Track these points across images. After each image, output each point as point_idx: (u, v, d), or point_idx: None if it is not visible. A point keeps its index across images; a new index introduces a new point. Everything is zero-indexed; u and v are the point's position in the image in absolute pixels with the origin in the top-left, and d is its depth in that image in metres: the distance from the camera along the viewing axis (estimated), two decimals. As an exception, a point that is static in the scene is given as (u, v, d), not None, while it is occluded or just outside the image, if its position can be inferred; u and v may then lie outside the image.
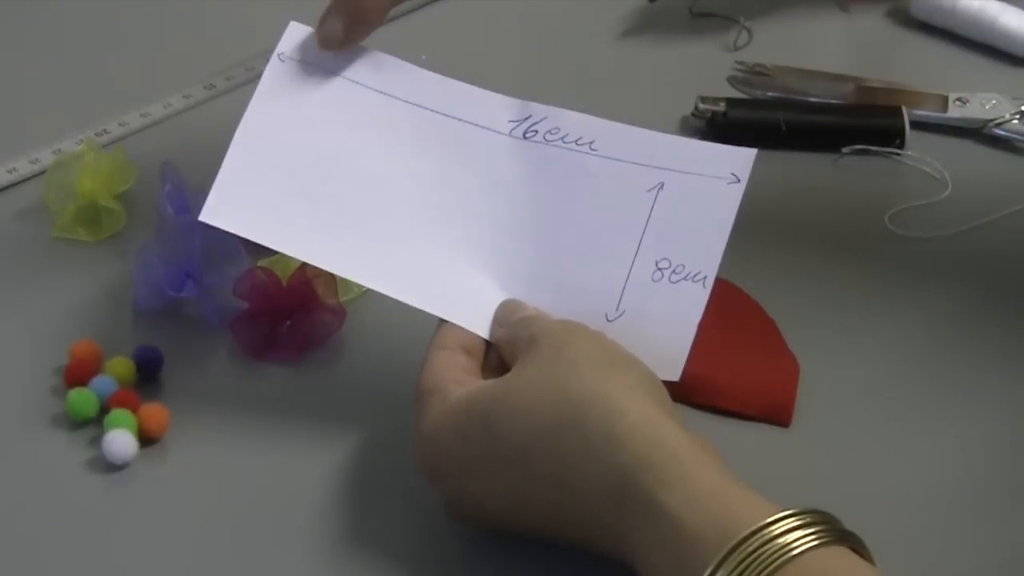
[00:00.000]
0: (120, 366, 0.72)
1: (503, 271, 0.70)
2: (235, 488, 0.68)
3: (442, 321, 0.68)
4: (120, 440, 0.68)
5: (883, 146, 0.88)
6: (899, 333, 0.77)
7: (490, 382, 0.64)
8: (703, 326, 0.76)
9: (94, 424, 0.70)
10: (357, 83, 0.73)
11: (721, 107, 0.89)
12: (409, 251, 0.70)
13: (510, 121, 0.72)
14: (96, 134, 0.87)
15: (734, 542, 0.55)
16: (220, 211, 0.69)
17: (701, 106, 0.89)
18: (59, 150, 0.86)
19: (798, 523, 0.56)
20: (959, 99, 0.90)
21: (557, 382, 0.61)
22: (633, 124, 0.88)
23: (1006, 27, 0.95)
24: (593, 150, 0.71)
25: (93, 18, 0.96)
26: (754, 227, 0.83)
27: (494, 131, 0.72)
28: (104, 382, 0.71)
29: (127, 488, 0.68)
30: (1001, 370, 0.75)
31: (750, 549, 0.55)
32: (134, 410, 0.70)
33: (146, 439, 0.69)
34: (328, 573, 0.65)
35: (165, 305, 0.76)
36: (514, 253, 0.71)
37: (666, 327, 0.68)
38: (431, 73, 0.73)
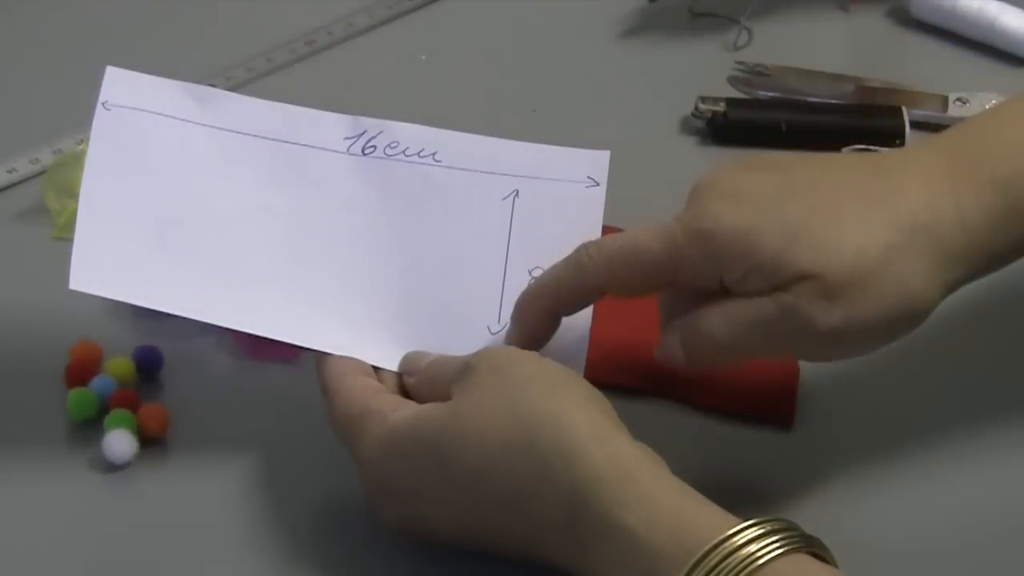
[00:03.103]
0: (120, 366, 0.72)
1: (375, 294, 0.69)
2: (235, 488, 0.68)
3: (323, 353, 0.67)
4: (120, 440, 0.68)
5: (883, 146, 0.88)
6: (899, 333, 0.77)
7: (432, 407, 0.63)
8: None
9: (94, 424, 0.70)
10: (188, 122, 0.70)
11: (721, 107, 0.89)
12: (280, 289, 0.69)
13: (346, 138, 0.71)
14: (96, 134, 0.86)
15: (697, 556, 0.55)
16: (87, 277, 0.67)
17: (701, 106, 0.89)
18: (59, 150, 0.86)
19: (760, 532, 0.56)
20: (959, 99, 0.90)
21: (505, 403, 0.61)
22: (633, 125, 0.89)
23: (1006, 27, 0.95)
24: (437, 161, 0.70)
25: (93, 18, 0.96)
26: (754, 227, 0.83)
27: (331, 151, 0.71)
28: (104, 382, 0.71)
29: (127, 488, 0.68)
30: (1001, 369, 0.75)
31: (714, 562, 0.55)
32: (134, 410, 0.70)
33: (146, 439, 0.69)
34: (329, 572, 0.65)
35: (165, 305, 0.76)
36: (381, 274, 0.69)
37: (556, 335, 0.67)
38: (259, 100, 0.72)
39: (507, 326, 0.68)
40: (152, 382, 0.73)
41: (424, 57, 0.93)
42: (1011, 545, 0.67)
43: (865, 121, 0.89)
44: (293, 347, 0.74)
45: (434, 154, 0.70)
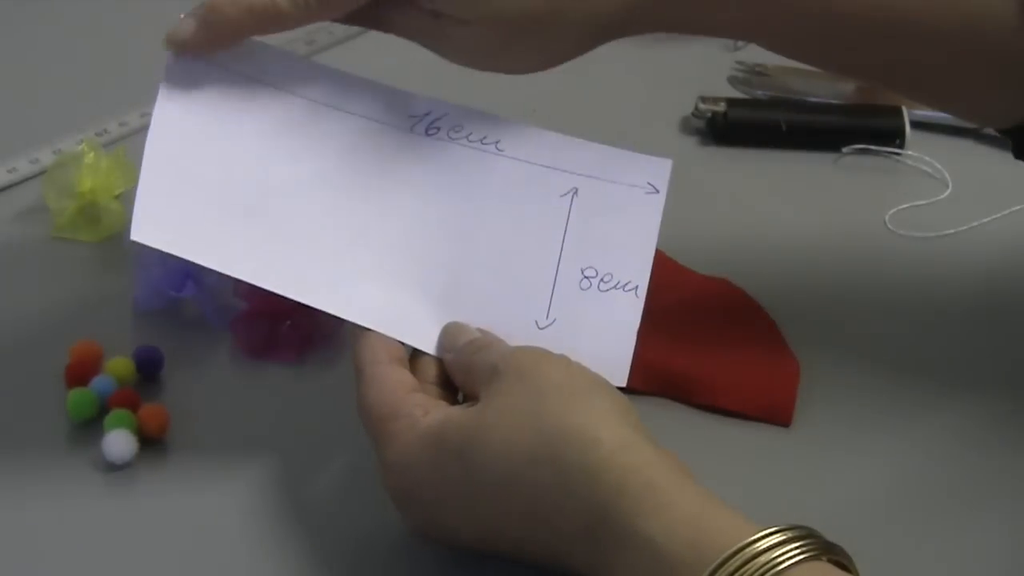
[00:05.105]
0: (120, 366, 0.72)
1: (425, 277, 0.68)
2: (235, 488, 0.68)
3: (361, 331, 0.66)
4: (120, 440, 0.68)
5: (883, 146, 0.88)
6: (899, 333, 0.77)
7: (459, 412, 0.63)
8: (703, 325, 0.76)
9: (94, 424, 0.70)
10: (257, 80, 0.69)
11: (721, 107, 0.89)
12: (332, 261, 0.68)
13: (411, 116, 0.70)
14: (96, 134, 0.87)
15: (717, 562, 0.55)
16: (148, 230, 0.66)
17: (701, 106, 0.89)
18: (59, 150, 0.86)
19: (781, 539, 0.56)
20: (959, 99, 0.90)
21: (529, 415, 0.61)
22: (633, 125, 0.89)
23: (1006, 27, 0.94)
24: (499, 150, 0.70)
25: (94, 18, 0.96)
26: (754, 227, 0.83)
27: (396, 127, 0.70)
28: (104, 382, 0.71)
29: (127, 488, 0.68)
30: (1001, 369, 0.75)
31: (734, 567, 0.55)
32: (134, 410, 0.70)
33: (146, 439, 0.69)
34: (328, 573, 0.65)
35: (165, 305, 0.76)
36: (433, 257, 0.69)
37: (603, 336, 0.68)
38: (329, 67, 0.71)
39: (555, 320, 0.68)
40: (152, 382, 0.73)
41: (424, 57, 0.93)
42: (1010, 544, 0.67)
43: (865, 121, 0.89)
44: (293, 349, 0.74)
45: (497, 142, 0.70)
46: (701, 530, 0.57)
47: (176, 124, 0.68)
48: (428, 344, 0.67)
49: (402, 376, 0.65)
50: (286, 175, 0.68)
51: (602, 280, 0.69)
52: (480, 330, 0.67)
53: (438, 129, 0.70)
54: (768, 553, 0.55)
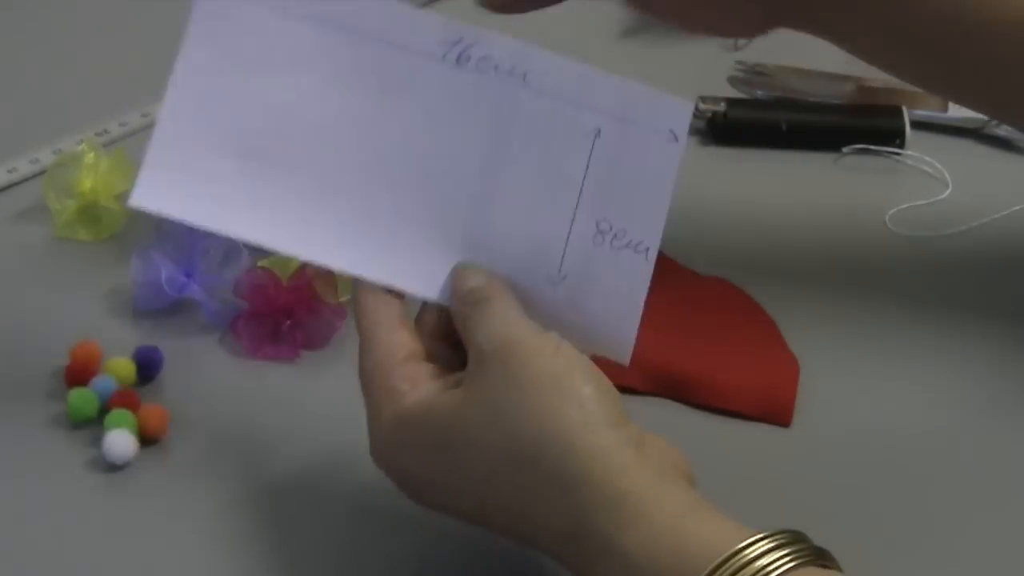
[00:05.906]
0: (120, 366, 0.72)
1: (442, 223, 0.66)
2: (235, 488, 0.68)
3: (362, 293, 0.64)
4: (120, 440, 0.68)
5: (883, 146, 0.88)
6: (899, 333, 0.77)
7: (442, 396, 0.61)
8: (703, 325, 0.76)
9: (94, 424, 0.70)
10: (287, 13, 0.66)
11: (721, 107, 0.89)
12: (347, 212, 0.66)
13: (443, 42, 0.67)
14: (96, 134, 0.87)
15: (707, 571, 0.54)
16: (151, 192, 0.64)
17: (701, 106, 0.89)
18: (59, 150, 0.86)
19: (769, 546, 0.55)
20: (959, 99, 0.90)
21: (508, 415, 0.59)
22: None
23: (1006, 27, 0.94)
24: (527, 83, 0.67)
25: (94, 18, 0.96)
26: (755, 227, 0.83)
27: (426, 55, 0.67)
28: (104, 382, 0.71)
29: (127, 488, 0.68)
30: (1001, 369, 0.75)
31: None
32: (134, 410, 0.70)
33: (146, 439, 0.69)
34: (329, 570, 0.65)
35: (165, 305, 0.76)
36: (451, 198, 0.66)
37: (612, 300, 0.66)
38: None
39: (566, 276, 0.66)
40: (152, 382, 0.73)
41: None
42: (1011, 543, 0.67)
43: (865, 121, 0.89)
44: (293, 347, 0.74)
45: (525, 74, 0.68)
46: (683, 540, 0.56)
47: (201, 69, 0.65)
48: (436, 292, 0.66)
49: (393, 342, 0.63)
50: (310, 117, 0.66)
51: (615, 236, 0.67)
52: (487, 274, 0.65)
53: (469, 58, 0.68)
54: (758, 561, 0.55)
